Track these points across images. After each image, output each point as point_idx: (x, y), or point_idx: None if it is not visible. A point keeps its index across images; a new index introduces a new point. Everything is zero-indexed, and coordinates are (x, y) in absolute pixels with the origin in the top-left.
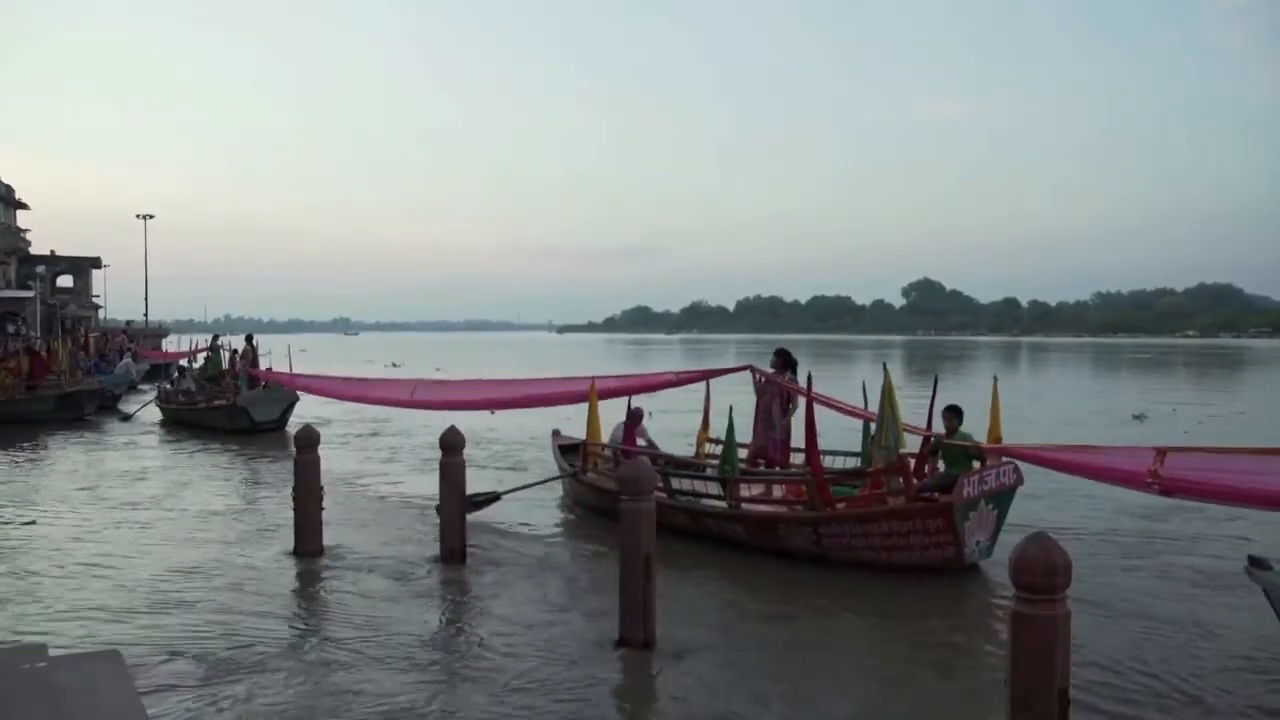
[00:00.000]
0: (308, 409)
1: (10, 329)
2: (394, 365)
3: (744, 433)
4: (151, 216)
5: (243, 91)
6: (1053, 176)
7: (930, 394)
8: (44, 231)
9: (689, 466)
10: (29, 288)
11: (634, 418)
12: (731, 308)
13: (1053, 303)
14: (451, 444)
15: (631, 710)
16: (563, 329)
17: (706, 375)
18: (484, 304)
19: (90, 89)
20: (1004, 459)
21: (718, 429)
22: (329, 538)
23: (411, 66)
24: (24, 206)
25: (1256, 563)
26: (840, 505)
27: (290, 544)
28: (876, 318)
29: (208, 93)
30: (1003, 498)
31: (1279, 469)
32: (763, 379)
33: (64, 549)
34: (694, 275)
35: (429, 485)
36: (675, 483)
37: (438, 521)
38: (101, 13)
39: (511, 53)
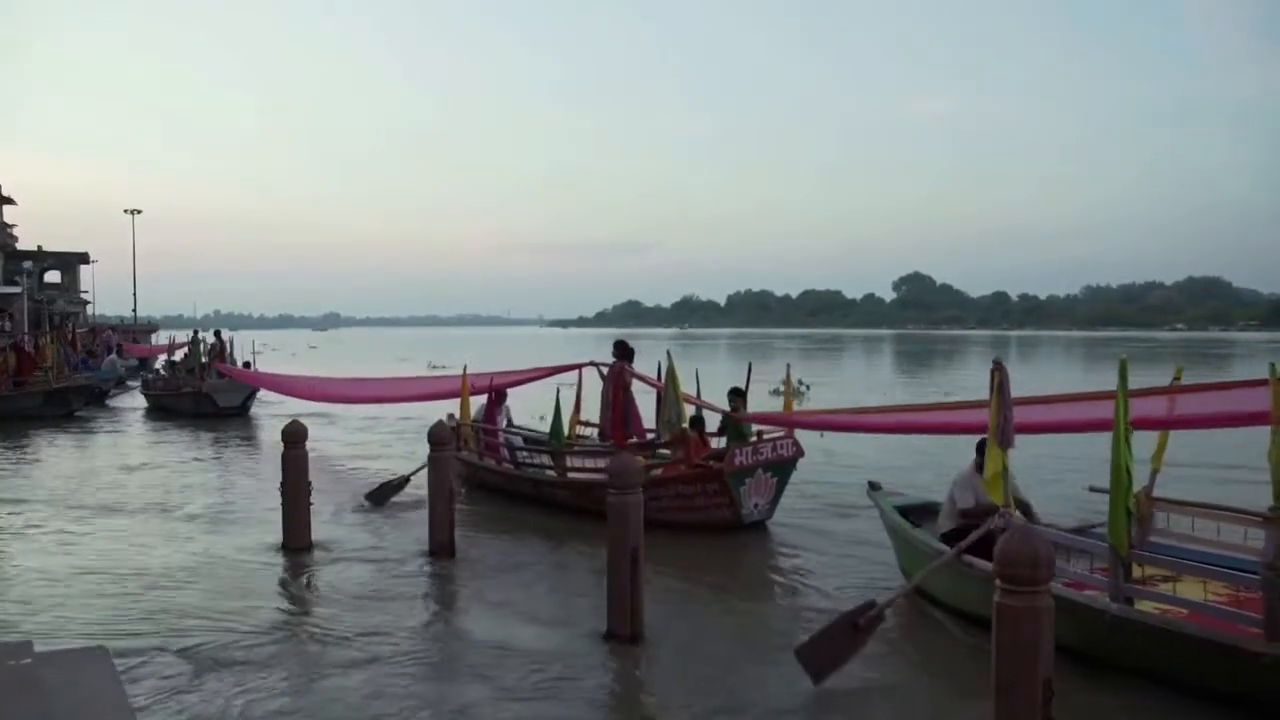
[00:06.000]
0: (306, 404)
1: None
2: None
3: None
4: (139, 211)
5: (227, 88)
6: (1041, 171)
7: (746, 376)
8: (31, 227)
9: (539, 443)
10: (16, 284)
11: (497, 400)
12: (722, 302)
13: (1043, 296)
14: (439, 438)
15: (619, 704)
16: (561, 323)
17: (567, 369)
18: (474, 299)
19: (74, 84)
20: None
21: (589, 412)
22: (317, 532)
23: (388, 63)
24: (10, 201)
25: (873, 485)
26: (657, 473)
27: (279, 538)
28: (867, 312)
29: (193, 89)
30: (782, 467)
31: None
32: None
33: (50, 545)
34: (684, 270)
35: (418, 478)
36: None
37: (400, 501)
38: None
39: (489, 48)
